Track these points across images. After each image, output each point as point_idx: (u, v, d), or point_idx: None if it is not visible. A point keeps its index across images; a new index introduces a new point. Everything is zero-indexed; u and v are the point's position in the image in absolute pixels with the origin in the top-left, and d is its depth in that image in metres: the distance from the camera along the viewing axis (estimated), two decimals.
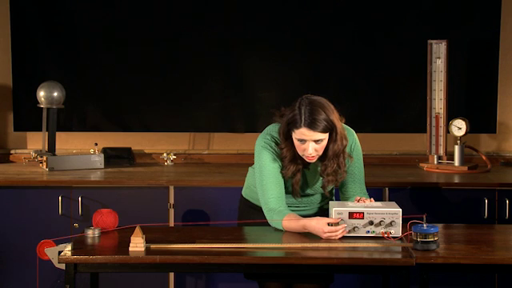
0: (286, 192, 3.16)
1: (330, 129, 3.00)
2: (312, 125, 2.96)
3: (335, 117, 3.02)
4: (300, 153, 3.05)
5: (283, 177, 3.12)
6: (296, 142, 3.03)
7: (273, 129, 3.14)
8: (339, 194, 3.28)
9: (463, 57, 4.62)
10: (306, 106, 2.98)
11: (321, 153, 3.05)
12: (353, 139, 3.18)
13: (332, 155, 3.07)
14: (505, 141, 4.71)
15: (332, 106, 3.03)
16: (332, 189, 3.28)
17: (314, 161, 3.07)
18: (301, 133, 2.98)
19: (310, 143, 3.00)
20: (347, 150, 3.13)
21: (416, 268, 2.73)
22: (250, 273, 3.25)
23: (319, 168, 3.13)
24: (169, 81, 4.71)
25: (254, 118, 4.69)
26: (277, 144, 3.11)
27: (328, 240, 2.90)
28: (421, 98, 4.52)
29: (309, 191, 3.21)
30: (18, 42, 4.67)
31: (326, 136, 3.01)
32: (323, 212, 3.23)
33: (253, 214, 3.26)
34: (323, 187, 3.17)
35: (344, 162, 3.12)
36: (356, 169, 3.20)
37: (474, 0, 4.60)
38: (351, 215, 2.92)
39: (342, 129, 3.07)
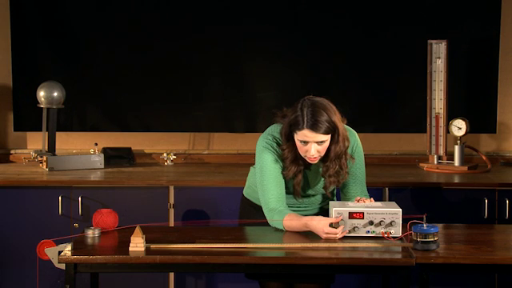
0: (287, 192, 3.16)
1: (332, 130, 3.00)
2: (314, 126, 2.95)
3: (337, 118, 3.02)
4: (302, 154, 3.05)
5: (284, 177, 3.11)
6: (298, 144, 3.03)
7: (274, 129, 3.14)
8: (340, 194, 3.28)
9: (463, 57, 4.62)
10: (309, 107, 2.98)
11: (323, 154, 3.05)
12: (355, 140, 3.17)
13: (334, 156, 3.07)
14: (505, 141, 4.71)
15: (334, 108, 3.03)
16: (333, 189, 3.28)
17: (315, 162, 3.07)
18: (303, 134, 2.98)
19: (313, 144, 2.99)
20: (349, 151, 3.12)
21: (416, 268, 2.73)
22: (251, 273, 3.25)
23: (320, 169, 3.13)
24: (169, 81, 4.71)
25: (254, 118, 4.69)
26: (278, 145, 3.10)
27: (328, 240, 2.90)
28: (421, 98, 4.51)
29: (310, 192, 3.21)
30: (18, 42, 4.67)
31: (328, 137, 3.01)
32: (324, 212, 3.23)
33: (254, 213, 3.26)
34: (325, 188, 3.17)
35: (346, 163, 3.11)
36: (357, 170, 3.20)
37: (474, 0, 4.60)
38: (351, 215, 2.92)
39: (343, 130, 3.07)
